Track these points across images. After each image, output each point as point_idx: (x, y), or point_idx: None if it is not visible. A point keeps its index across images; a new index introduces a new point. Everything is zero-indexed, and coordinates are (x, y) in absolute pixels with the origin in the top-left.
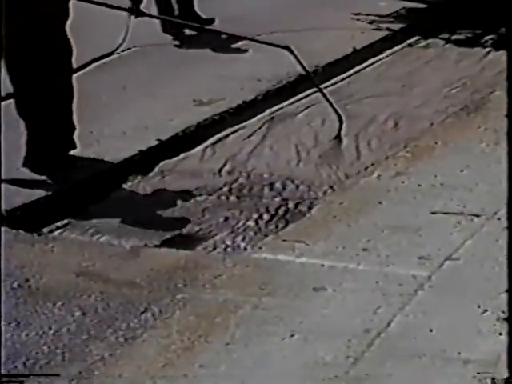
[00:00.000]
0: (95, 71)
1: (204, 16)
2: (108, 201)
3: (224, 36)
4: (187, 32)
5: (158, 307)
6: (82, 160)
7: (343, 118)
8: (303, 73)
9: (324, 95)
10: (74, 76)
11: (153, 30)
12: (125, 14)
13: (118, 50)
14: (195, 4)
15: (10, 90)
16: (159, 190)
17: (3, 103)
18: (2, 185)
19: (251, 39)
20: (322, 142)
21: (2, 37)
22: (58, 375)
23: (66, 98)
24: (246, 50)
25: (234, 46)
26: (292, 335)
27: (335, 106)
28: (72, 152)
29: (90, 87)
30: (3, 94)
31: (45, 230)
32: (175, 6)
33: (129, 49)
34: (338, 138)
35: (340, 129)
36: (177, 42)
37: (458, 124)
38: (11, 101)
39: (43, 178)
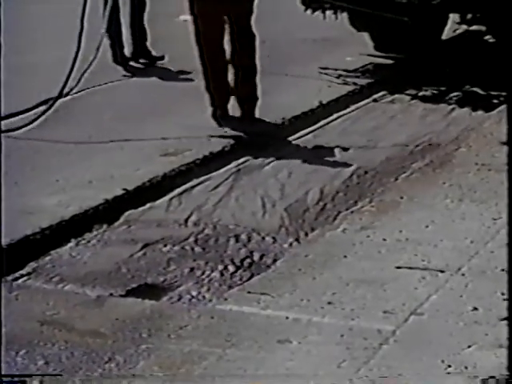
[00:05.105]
0: (61, 117)
1: (155, 53)
2: (73, 249)
3: None
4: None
5: (123, 357)
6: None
7: None
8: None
9: None
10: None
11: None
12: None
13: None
14: (148, 41)
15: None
16: (125, 240)
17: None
18: None
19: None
20: (287, 194)
21: None
22: (60, 375)
23: None
24: None
25: None
26: None
27: None
28: None
29: (55, 134)
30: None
31: (9, 277)
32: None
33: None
34: None
35: None
36: (128, 73)
37: (423, 179)
38: None
39: None
